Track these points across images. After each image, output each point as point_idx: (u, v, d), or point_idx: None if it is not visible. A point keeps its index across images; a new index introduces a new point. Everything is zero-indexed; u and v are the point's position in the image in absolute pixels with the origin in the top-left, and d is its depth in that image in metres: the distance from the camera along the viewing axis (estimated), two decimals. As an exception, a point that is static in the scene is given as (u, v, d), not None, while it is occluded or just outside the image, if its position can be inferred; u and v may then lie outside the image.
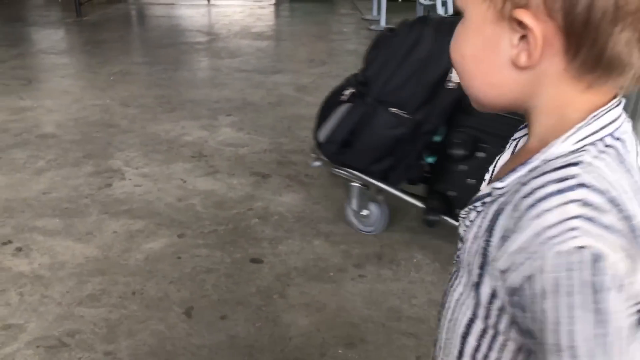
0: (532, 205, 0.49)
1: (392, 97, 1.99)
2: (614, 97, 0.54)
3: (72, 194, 2.72)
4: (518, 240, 0.49)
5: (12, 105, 3.96)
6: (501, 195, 0.55)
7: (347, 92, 2.10)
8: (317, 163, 2.30)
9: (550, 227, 0.47)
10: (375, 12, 7.00)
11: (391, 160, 2.07)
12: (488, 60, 0.54)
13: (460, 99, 1.93)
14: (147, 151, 3.21)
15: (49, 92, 4.39)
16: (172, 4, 8.19)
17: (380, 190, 2.24)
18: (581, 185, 0.48)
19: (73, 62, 5.46)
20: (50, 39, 6.34)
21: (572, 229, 0.46)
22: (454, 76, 1.90)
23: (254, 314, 1.93)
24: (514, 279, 0.49)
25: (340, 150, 2.11)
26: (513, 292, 0.50)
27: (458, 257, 0.62)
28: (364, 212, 2.35)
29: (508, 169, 0.57)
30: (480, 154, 1.92)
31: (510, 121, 2.09)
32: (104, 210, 2.57)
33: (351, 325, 1.89)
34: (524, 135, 0.64)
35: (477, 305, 0.56)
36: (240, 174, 2.93)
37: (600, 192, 0.48)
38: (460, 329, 0.59)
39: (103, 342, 1.78)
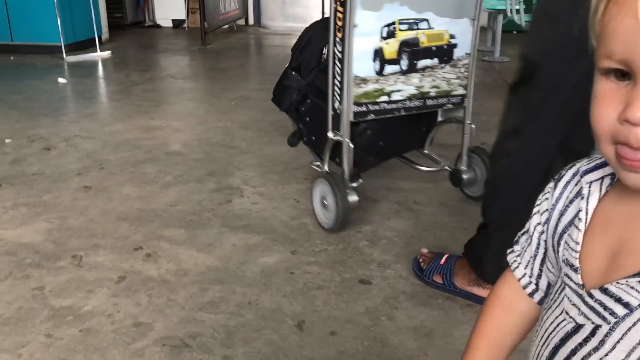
0: None
1: (296, 65, 2.90)
2: None
3: (196, 207, 2.93)
4: None
5: (144, 124, 4.33)
6: None
7: (287, 64, 3.03)
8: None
9: None
10: (489, 43, 6.94)
11: (295, 104, 2.91)
12: None
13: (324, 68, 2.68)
14: (263, 172, 3.39)
15: (176, 114, 4.75)
16: (289, 34, 8.56)
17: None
18: None
19: (198, 86, 5.86)
20: (178, 65, 6.85)
21: None
22: (325, 54, 2.65)
23: (362, 333, 1.98)
24: None
25: (278, 95, 3.03)
26: None
27: (598, 315, 0.62)
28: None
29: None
30: (308, 101, 2.81)
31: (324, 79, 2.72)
32: (224, 224, 2.74)
33: (459, 352, 1.87)
34: (605, 176, 0.67)
35: None
36: (351, 197, 3.01)
37: None
38: None
39: (222, 347, 1.91)
